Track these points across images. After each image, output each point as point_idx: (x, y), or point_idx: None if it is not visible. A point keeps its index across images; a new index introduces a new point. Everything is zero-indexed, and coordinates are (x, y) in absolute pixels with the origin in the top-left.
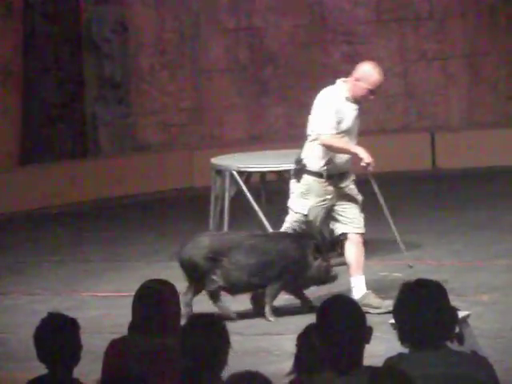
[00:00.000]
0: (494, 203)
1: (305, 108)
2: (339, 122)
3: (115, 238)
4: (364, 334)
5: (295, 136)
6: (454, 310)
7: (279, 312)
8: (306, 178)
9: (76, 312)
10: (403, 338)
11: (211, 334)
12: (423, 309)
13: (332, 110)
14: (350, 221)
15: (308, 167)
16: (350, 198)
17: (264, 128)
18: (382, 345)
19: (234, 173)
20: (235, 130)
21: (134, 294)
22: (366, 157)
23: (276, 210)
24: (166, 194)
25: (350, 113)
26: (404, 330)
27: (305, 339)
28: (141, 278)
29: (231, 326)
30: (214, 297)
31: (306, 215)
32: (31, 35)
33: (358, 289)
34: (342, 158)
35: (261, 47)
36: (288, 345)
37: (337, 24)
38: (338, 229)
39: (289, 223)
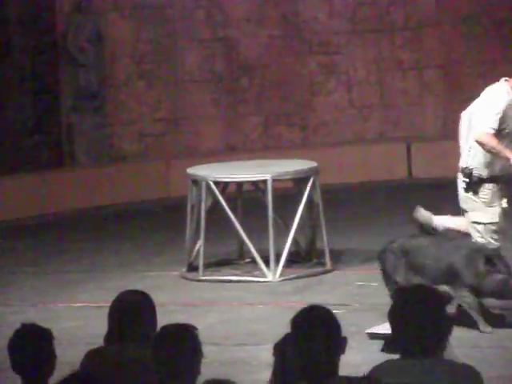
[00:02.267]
0: None
1: (281, 118)
2: (503, 122)
3: (91, 248)
4: (339, 343)
5: (271, 146)
6: (451, 319)
7: (258, 323)
8: (484, 186)
9: (52, 323)
10: (396, 344)
11: (182, 343)
12: (420, 316)
13: (499, 109)
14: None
15: (482, 175)
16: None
17: (240, 138)
18: (358, 355)
19: (211, 183)
20: (211, 141)
21: (110, 304)
22: None
23: (252, 220)
24: (143, 205)
25: None
26: (398, 336)
27: (281, 349)
28: (117, 288)
29: (208, 337)
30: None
31: (497, 223)
32: (7, 46)
33: None
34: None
35: (237, 58)
36: (265, 355)
37: (312, 34)
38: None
39: (482, 239)
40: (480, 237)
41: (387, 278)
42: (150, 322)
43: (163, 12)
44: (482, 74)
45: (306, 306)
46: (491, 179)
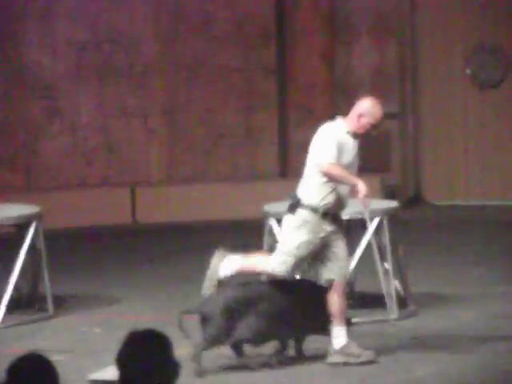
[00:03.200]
0: (198, 255)
1: (4, 162)
2: (340, 155)
3: None
4: None
5: None
6: (178, 364)
7: None
8: (301, 211)
9: None
10: None
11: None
12: (145, 359)
13: (334, 142)
14: (338, 267)
15: (304, 201)
16: (339, 242)
17: None
18: None
19: None
20: None
21: None
22: (364, 189)
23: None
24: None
25: (351, 148)
26: (127, 380)
27: None
28: None
29: None
30: (198, 357)
31: (297, 248)
32: None
33: (340, 339)
34: (338, 197)
35: None
36: None
37: (36, 78)
38: (324, 274)
39: (276, 261)
40: (277, 257)
41: (215, 336)
42: None
43: None
44: (205, 120)
45: (19, 355)
46: (311, 208)
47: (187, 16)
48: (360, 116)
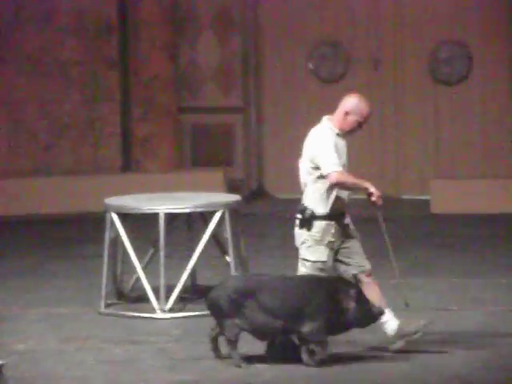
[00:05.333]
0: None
1: None
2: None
3: None
4: None
5: None
6: None
7: None
8: (317, 224)
9: None
10: None
11: None
12: None
13: (332, 147)
14: (356, 262)
15: (316, 213)
16: (352, 237)
17: None
18: None
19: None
20: None
21: None
22: (375, 191)
23: None
24: None
25: (343, 148)
26: None
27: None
28: None
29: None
30: (233, 343)
31: (325, 261)
32: None
33: (391, 323)
34: (343, 197)
35: None
36: None
37: None
38: (348, 271)
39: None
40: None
41: (225, 322)
42: None
43: None
44: (46, 113)
45: None
46: (323, 217)
47: (28, 7)
48: (346, 114)
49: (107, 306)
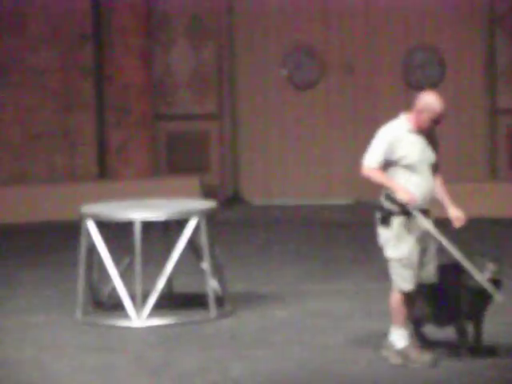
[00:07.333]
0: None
1: None
2: (391, 152)
3: None
4: None
5: None
6: None
7: None
8: (394, 220)
9: None
10: None
11: None
12: None
13: (383, 143)
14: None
15: (391, 208)
16: (432, 242)
17: None
18: None
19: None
20: None
21: None
22: (404, 198)
23: None
24: None
25: (415, 145)
26: None
27: None
28: None
29: None
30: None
31: (408, 258)
32: None
33: (401, 340)
34: (420, 194)
35: None
36: None
37: None
38: (426, 274)
39: (398, 282)
40: (393, 273)
41: None
42: None
43: None
44: (21, 121)
45: None
46: (399, 212)
47: (2, 16)
48: (419, 112)
49: (84, 314)
